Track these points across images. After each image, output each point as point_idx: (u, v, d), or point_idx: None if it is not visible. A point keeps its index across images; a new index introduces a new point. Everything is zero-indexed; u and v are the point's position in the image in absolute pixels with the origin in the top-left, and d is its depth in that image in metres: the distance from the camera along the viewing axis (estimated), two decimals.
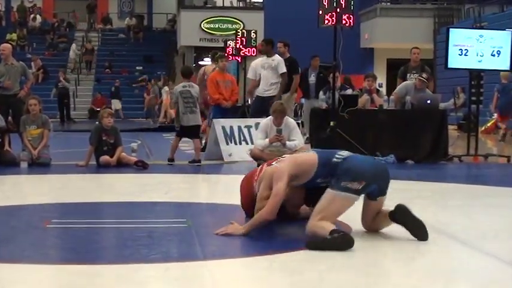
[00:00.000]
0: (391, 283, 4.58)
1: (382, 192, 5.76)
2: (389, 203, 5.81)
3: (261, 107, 13.38)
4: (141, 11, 42.14)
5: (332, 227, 5.43)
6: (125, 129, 17.72)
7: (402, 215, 5.68)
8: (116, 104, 32.46)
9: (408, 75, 14.36)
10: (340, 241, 5.25)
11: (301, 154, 6.14)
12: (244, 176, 6.86)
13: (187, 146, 13.47)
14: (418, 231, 5.63)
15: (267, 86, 13.50)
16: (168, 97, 29.46)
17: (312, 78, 16.36)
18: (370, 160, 6.16)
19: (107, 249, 5.65)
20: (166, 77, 32.79)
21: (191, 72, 12.71)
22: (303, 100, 19.46)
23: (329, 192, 5.67)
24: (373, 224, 5.91)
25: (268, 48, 13.86)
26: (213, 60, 14.89)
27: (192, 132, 12.14)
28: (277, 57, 13.71)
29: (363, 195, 5.76)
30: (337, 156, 5.80)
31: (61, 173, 10.81)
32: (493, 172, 11.76)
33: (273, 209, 5.81)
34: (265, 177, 6.09)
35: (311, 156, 5.95)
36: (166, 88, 30.07)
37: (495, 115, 22.22)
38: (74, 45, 36.38)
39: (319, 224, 5.54)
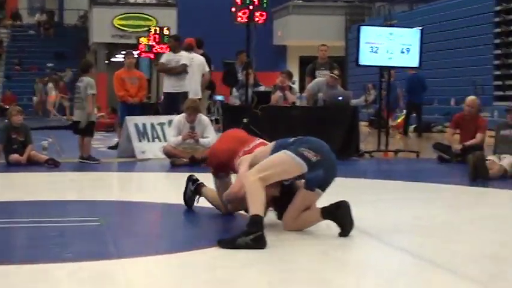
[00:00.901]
0: (304, 278, 4.63)
1: (325, 185, 5.71)
2: None
3: (171, 104, 13.33)
4: (51, 6, 41.46)
5: (260, 208, 5.31)
6: (36, 127, 17.42)
7: (344, 212, 5.65)
8: None
9: (317, 72, 14.52)
10: (253, 246, 5.17)
11: (262, 148, 6.03)
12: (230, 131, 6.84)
13: (98, 143, 13.33)
14: (348, 230, 5.64)
15: (175, 82, 13.43)
16: (53, 93, 29.72)
17: (241, 74, 16.18)
18: (328, 146, 5.91)
19: (18, 249, 5.54)
20: (53, 75, 32.79)
21: (88, 66, 12.29)
22: (217, 97, 19.48)
23: (282, 152, 5.61)
24: (296, 222, 5.83)
25: (175, 44, 13.82)
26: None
27: (82, 128, 11.79)
28: (183, 53, 13.66)
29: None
30: (292, 138, 5.81)
31: None
32: (402, 167, 11.99)
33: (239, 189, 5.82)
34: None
35: (267, 146, 5.94)
36: (50, 85, 30.12)
37: (405, 111, 22.70)
38: None
39: (256, 189, 5.40)
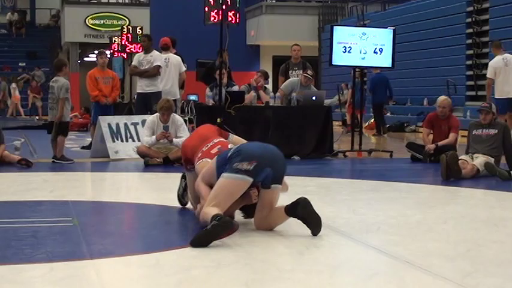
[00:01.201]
0: (278, 277, 4.63)
1: (277, 179, 5.74)
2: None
3: (144, 104, 13.29)
4: (23, 6, 41.24)
5: (215, 211, 5.42)
6: (8, 127, 17.31)
7: (304, 209, 5.66)
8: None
9: (290, 72, 14.54)
10: (220, 228, 5.24)
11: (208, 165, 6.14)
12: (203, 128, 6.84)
13: (72, 143, 13.25)
14: (316, 226, 5.65)
15: (148, 83, 13.37)
16: (16, 93, 29.78)
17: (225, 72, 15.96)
18: (263, 144, 6.07)
19: None
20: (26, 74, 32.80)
21: (61, 64, 11.98)
22: (191, 97, 19.42)
23: (222, 177, 5.68)
24: (266, 221, 5.86)
25: (148, 44, 13.75)
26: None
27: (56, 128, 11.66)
28: (154, 53, 13.61)
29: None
30: (231, 149, 5.86)
31: None
32: (376, 167, 12.01)
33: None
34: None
35: (212, 161, 5.99)
36: (13, 85, 30.11)
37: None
38: None
39: (207, 210, 5.56)
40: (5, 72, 34.31)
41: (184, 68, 14.06)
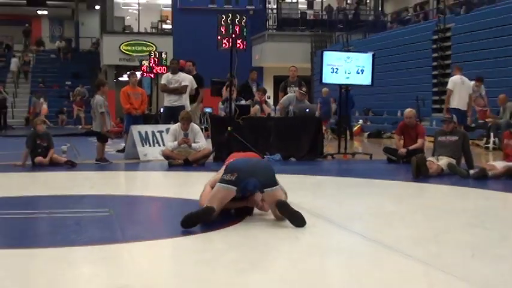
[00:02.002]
0: (278, 257, 4.63)
1: (265, 186, 5.63)
2: None
3: (170, 115, 13.29)
4: (69, 35, 41.35)
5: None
6: (56, 134, 17.29)
7: (282, 209, 5.59)
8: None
9: (288, 88, 14.57)
10: (201, 212, 5.43)
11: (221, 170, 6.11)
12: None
13: (108, 147, 13.24)
14: (296, 221, 5.52)
15: (175, 98, 13.37)
16: (44, 106, 29.92)
17: (254, 90, 15.52)
18: (249, 159, 6.00)
19: (41, 235, 5.51)
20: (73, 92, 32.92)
21: (99, 84, 12.07)
22: (206, 109, 19.44)
23: (216, 185, 5.71)
24: (276, 214, 5.77)
25: (176, 66, 13.76)
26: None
27: (97, 137, 11.81)
28: (181, 74, 13.60)
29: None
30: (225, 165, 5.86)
31: (1, 172, 10.45)
32: (358, 167, 11.98)
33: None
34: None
35: (222, 169, 5.97)
36: (41, 99, 30.22)
37: (360, 121, 22.97)
38: (15, 59, 35.59)
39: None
40: (55, 90, 34.37)
41: (195, 86, 13.98)
